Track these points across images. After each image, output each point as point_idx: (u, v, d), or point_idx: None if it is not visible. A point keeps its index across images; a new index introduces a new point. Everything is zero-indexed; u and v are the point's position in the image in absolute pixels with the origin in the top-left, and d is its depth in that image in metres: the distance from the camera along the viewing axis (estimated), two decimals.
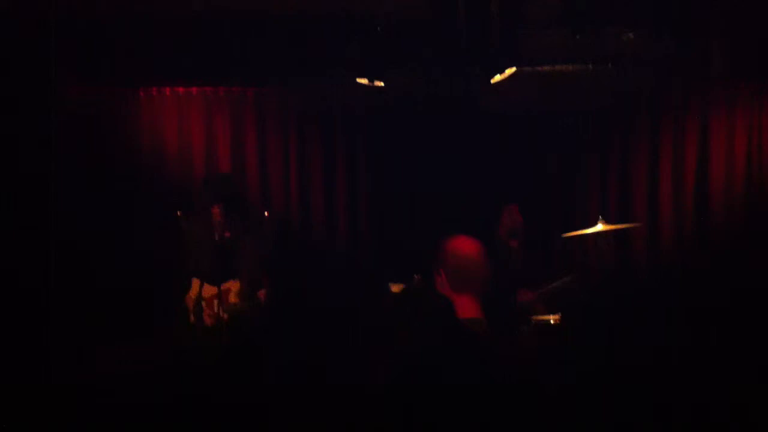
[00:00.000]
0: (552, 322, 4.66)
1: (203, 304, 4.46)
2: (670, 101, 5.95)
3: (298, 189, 5.92)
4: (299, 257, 5.68)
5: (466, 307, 3.70)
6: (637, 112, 5.99)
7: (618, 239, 5.51)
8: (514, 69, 5.09)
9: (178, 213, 4.88)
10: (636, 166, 5.99)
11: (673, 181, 5.90)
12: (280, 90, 5.87)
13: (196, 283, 4.51)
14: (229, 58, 5.44)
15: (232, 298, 4.59)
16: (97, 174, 5.44)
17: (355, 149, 5.94)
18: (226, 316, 4.36)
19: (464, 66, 5.11)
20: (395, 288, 4.45)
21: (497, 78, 5.13)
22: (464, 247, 3.93)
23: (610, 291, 5.21)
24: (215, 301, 4.45)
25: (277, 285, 4.77)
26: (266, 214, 5.23)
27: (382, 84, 5.23)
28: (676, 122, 5.93)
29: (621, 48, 5.33)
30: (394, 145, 5.86)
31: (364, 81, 5.20)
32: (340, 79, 5.54)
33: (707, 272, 5.68)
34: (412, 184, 5.84)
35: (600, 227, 4.88)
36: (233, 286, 4.60)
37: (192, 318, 4.45)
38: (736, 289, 5.45)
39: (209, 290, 4.52)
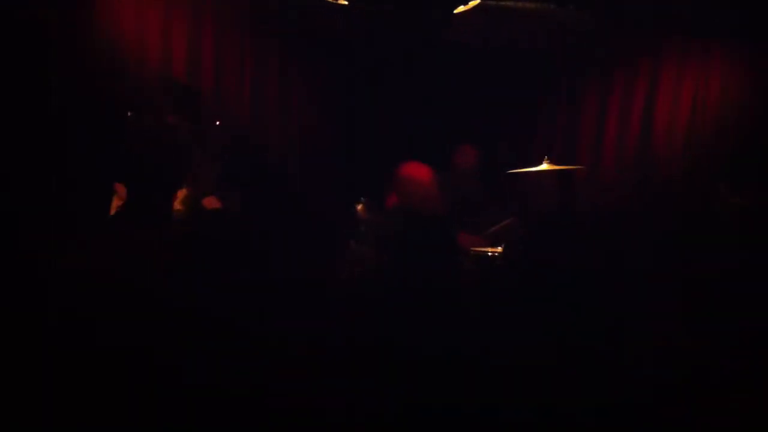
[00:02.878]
0: (489, 254, 4.81)
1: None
2: (622, 47, 6.04)
3: (251, 98, 5.87)
4: (251, 167, 5.68)
5: None
6: (591, 55, 6.09)
7: (561, 180, 5.65)
8: (477, 1, 5.10)
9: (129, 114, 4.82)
10: (585, 108, 6.14)
11: (619, 124, 6.05)
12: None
13: None
14: None
15: (177, 206, 4.59)
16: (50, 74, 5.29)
17: (314, 67, 5.91)
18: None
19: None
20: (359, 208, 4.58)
21: (460, 9, 5.14)
22: (415, 172, 4.09)
23: (549, 231, 5.38)
24: None
25: (229, 193, 4.80)
26: (217, 123, 5.23)
27: (345, 3, 5.19)
28: (626, 68, 6.05)
29: None
30: (351, 68, 5.85)
31: None
32: None
33: (644, 215, 5.87)
34: (367, 111, 5.86)
35: (544, 166, 5.00)
36: (180, 193, 4.60)
37: None
38: (671, 232, 5.64)
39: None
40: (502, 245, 4.86)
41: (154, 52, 5.57)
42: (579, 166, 5.32)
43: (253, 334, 3.28)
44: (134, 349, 2.96)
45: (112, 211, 4.35)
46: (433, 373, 3.10)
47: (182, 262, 3.60)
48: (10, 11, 4.64)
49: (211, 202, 4.71)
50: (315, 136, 5.98)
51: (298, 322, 3.50)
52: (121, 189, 4.41)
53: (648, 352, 3.88)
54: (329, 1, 5.18)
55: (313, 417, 2.86)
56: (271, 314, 3.53)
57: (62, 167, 4.58)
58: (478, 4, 5.10)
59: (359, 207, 4.60)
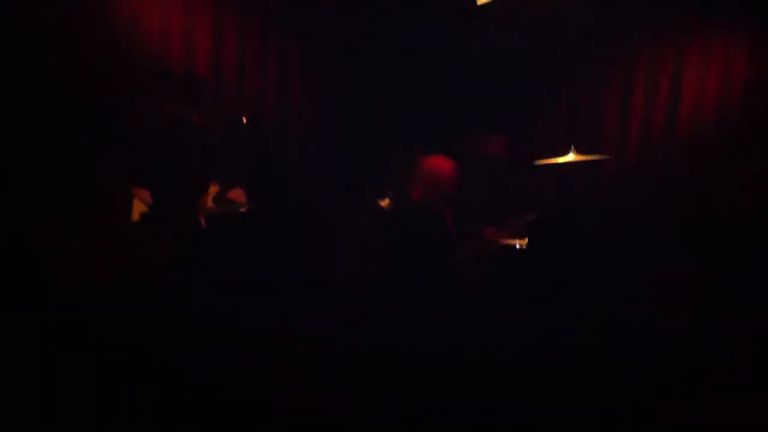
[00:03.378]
0: (518, 246, 4.80)
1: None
2: (648, 34, 6.00)
3: (276, 95, 5.91)
4: (276, 161, 5.71)
5: None
6: (614, 44, 6.05)
7: (586, 171, 5.64)
8: None
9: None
10: (609, 98, 6.10)
11: (644, 113, 6.01)
12: None
13: None
14: None
15: (209, 203, 4.63)
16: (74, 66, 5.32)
17: (336, 60, 5.91)
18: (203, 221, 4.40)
19: None
20: (383, 202, 4.59)
21: (481, 0, 5.12)
22: (438, 165, 4.13)
23: (573, 224, 5.36)
24: None
25: (254, 188, 4.82)
26: (244, 119, 5.25)
27: None
28: (651, 51, 6.00)
29: None
30: (376, 61, 5.84)
31: None
32: None
33: (668, 208, 5.83)
34: (393, 102, 5.86)
35: (571, 157, 4.98)
36: (211, 189, 4.63)
37: None
38: (695, 224, 5.60)
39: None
40: (528, 237, 4.85)
41: (177, 49, 5.61)
42: (605, 156, 5.29)
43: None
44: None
45: (136, 216, 4.36)
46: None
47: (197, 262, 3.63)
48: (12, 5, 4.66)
49: (237, 195, 4.73)
50: (323, 133, 6.00)
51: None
52: (142, 193, 4.41)
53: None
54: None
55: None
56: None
57: (67, 166, 4.59)
58: None
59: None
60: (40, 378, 2.97)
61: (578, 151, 5.01)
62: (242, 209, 4.66)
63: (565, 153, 5.02)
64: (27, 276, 3.46)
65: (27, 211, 4.07)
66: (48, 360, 3.03)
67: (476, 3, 5.20)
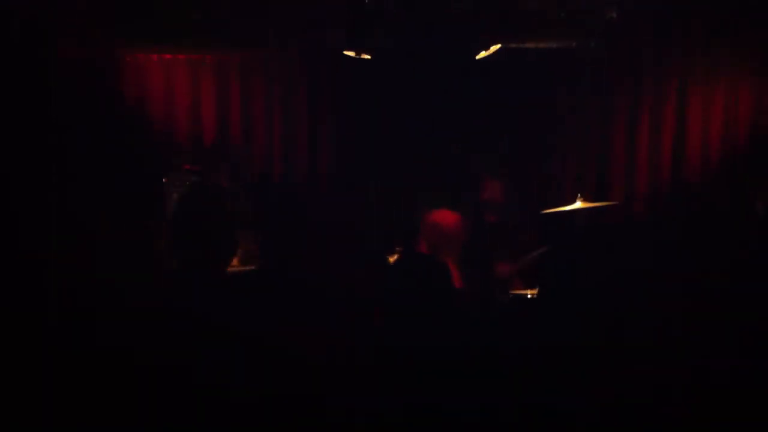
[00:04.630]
0: (529, 296, 4.79)
1: None
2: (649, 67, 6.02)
3: (281, 155, 5.99)
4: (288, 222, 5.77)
5: None
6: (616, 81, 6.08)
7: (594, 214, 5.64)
8: (499, 45, 5.14)
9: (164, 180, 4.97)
10: (614, 139, 6.11)
11: (650, 149, 6.00)
12: (263, 55, 5.88)
13: None
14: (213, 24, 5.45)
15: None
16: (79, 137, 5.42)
17: (340, 120, 6.00)
18: None
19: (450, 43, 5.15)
20: (390, 259, 4.61)
21: (482, 54, 5.19)
22: (442, 219, 4.17)
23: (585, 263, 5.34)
24: None
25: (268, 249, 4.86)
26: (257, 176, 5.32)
27: (368, 57, 5.26)
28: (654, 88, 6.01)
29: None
30: (380, 110, 5.92)
31: (351, 53, 5.22)
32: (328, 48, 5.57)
33: (680, 244, 5.80)
34: (397, 151, 5.92)
35: (579, 204, 4.98)
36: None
37: None
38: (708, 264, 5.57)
39: None
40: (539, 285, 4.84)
41: (184, 115, 5.72)
42: (613, 202, 5.30)
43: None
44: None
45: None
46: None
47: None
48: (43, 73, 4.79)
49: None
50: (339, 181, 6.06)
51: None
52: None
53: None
54: (351, 56, 5.25)
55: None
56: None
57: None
58: (499, 49, 5.15)
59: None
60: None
61: (585, 199, 5.00)
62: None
63: (572, 200, 5.02)
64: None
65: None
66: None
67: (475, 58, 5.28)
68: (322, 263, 5.28)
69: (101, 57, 5.39)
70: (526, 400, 3.20)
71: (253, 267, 4.77)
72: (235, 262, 4.62)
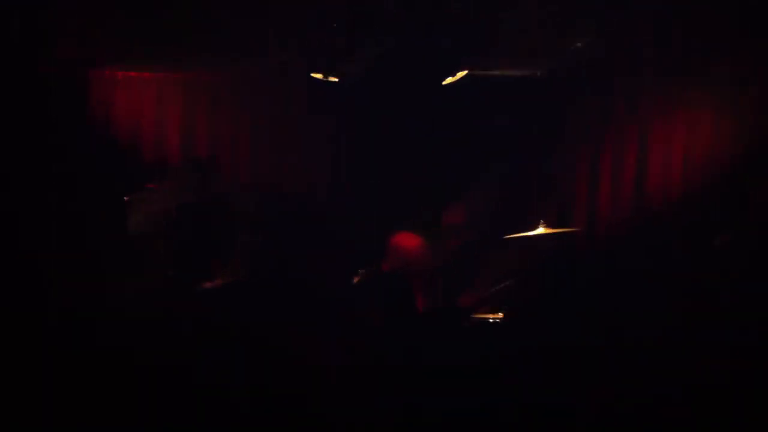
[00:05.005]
0: (491, 320, 4.81)
1: None
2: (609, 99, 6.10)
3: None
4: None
5: None
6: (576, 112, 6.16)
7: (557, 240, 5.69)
8: (465, 72, 5.20)
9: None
10: (578, 165, 6.19)
11: (612, 180, 6.08)
12: (232, 75, 5.89)
13: None
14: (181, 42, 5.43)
15: None
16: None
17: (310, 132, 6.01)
18: None
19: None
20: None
21: (449, 80, 5.24)
22: (405, 242, 4.33)
23: (550, 292, 5.38)
24: None
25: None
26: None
27: (336, 80, 5.28)
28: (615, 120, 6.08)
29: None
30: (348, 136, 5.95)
31: (318, 76, 5.24)
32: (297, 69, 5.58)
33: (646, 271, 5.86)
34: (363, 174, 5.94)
35: (541, 230, 5.03)
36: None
37: None
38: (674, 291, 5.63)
39: None
40: (503, 311, 4.87)
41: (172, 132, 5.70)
42: (575, 229, 5.35)
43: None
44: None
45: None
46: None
47: None
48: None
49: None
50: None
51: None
52: None
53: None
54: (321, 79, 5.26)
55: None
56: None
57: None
58: (466, 75, 5.20)
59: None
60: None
61: (547, 225, 5.05)
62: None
63: (534, 226, 5.07)
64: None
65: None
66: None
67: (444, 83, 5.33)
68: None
69: (67, 73, 5.39)
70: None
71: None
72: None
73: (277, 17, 5.12)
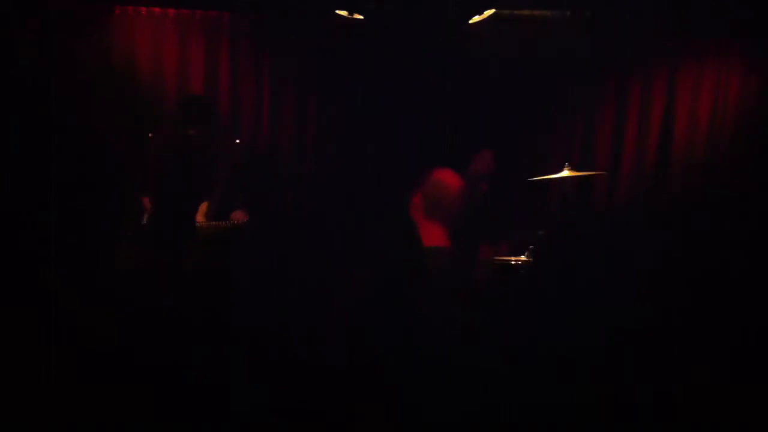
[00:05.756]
0: (513, 262, 4.78)
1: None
2: (641, 54, 6.03)
3: (269, 119, 5.93)
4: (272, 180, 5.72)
5: (435, 235, 3.87)
6: (607, 65, 6.09)
7: (581, 188, 5.65)
8: (493, 11, 5.11)
9: (150, 135, 4.91)
10: (602, 117, 6.12)
11: (638, 131, 6.03)
12: (254, 17, 5.82)
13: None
14: None
15: (200, 218, 4.62)
16: (67, 91, 5.36)
17: (329, 82, 5.94)
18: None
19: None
20: None
21: (476, 18, 5.16)
22: (445, 178, 4.06)
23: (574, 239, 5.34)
24: None
25: (253, 205, 4.83)
26: (237, 141, 5.26)
27: (361, 17, 5.20)
28: (643, 75, 6.04)
29: None
30: (371, 80, 5.87)
31: (343, 13, 5.17)
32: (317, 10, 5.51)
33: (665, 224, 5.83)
34: (388, 119, 5.87)
35: (566, 173, 4.98)
36: (202, 207, 4.64)
37: None
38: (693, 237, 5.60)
39: None
40: (526, 253, 4.83)
41: (172, 71, 5.64)
42: (600, 172, 5.29)
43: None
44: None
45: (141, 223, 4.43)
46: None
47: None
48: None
49: (238, 216, 4.73)
50: (329, 148, 6.01)
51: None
52: (147, 202, 4.49)
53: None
54: (344, 16, 5.19)
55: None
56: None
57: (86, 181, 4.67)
58: (493, 14, 5.11)
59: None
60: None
61: (572, 168, 5.00)
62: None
63: (559, 170, 5.02)
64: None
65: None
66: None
67: (468, 23, 5.24)
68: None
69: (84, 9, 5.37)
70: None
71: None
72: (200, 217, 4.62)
73: None
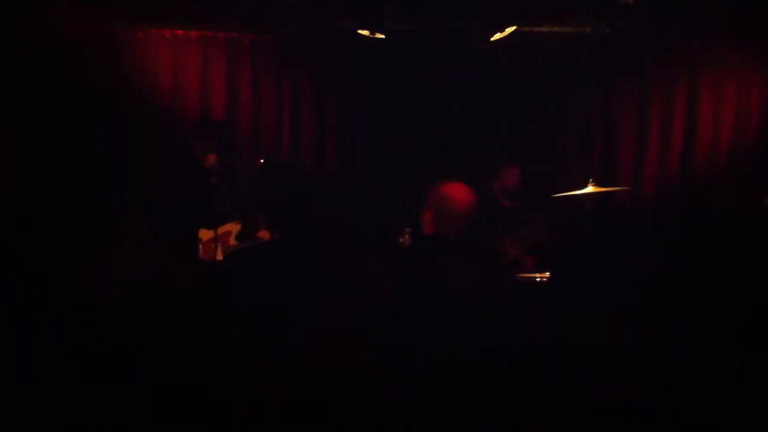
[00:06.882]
0: (538, 279, 4.77)
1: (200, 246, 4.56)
2: (660, 58, 6.03)
3: (290, 137, 5.97)
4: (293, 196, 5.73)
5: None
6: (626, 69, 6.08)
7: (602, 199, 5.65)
8: (514, 27, 5.12)
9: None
10: (624, 119, 6.12)
11: (661, 138, 6.02)
12: (276, 38, 5.88)
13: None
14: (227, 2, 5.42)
15: (232, 241, 4.64)
16: (90, 114, 5.40)
17: (349, 98, 5.99)
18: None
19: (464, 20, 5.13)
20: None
21: (497, 36, 5.17)
22: (452, 191, 3.96)
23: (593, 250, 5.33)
24: (213, 245, 4.53)
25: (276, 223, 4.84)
26: (261, 161, 5.28)
27: (383, 36, 5.23)
28: (665, 79, 6.04)
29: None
30: (390, 96, 5.90)
31: (365, 33, 5.19)
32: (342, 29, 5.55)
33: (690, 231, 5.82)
34: (409, 136, 5.90)
35: (590, 189, 4.98)
36: (233, 228, 4.66)
37: None
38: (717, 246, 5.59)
39: (205, 234, 4.60)
40: (550, 271, 4.83)
41: (194, 90, 5.69)
42: (624, 188, 5.29)
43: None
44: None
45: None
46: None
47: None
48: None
49: (266, 236, 4.75)
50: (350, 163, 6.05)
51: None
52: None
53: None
54: (366, 36, 5.21)
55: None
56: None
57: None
58: (514, 31, 5.13)
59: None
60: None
61: (596, 183, 4.99)
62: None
63: (582, 186, 5.01)
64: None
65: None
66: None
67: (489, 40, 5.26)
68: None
69: (107, 33, 5.41)
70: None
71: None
72: (231, 240, 4.65)
73: None
